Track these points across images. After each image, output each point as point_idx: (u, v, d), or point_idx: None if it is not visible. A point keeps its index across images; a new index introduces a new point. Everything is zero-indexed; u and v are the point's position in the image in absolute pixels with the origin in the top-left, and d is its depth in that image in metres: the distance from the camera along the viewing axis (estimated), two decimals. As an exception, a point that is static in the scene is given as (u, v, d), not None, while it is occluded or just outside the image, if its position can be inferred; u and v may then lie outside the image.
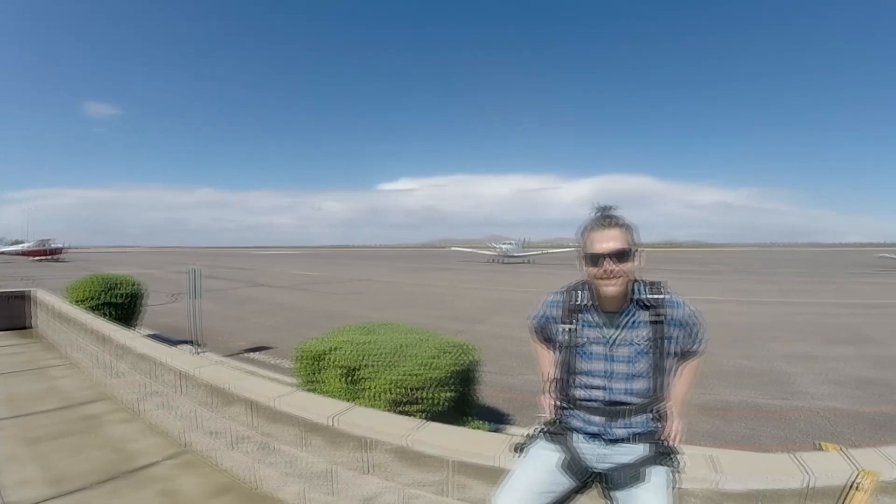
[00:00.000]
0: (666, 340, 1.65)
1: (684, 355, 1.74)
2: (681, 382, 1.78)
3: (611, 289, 1.59)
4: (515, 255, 38.31)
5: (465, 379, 2.80)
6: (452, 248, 63.69)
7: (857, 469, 1.76)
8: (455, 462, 2.10)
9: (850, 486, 1.76)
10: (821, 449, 2.12)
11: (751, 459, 1.90)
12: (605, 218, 1.63)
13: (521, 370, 6.25)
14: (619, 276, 1.58)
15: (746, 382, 5.99)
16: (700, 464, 1.79)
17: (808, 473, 1.74)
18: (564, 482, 1.73)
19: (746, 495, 1.76)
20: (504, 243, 39.37)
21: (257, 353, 7.33)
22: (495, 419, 3.81)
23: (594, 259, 1.59)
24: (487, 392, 3.28)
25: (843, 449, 1.94)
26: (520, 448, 1.88)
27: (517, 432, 2.84)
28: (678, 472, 1.69)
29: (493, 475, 2.02)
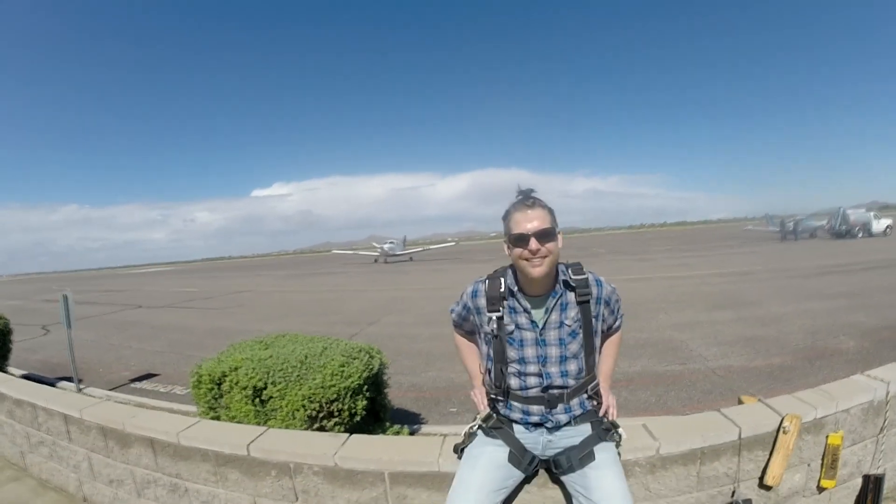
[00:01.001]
0: (594, 319, 1.67)
1: (607, 332, 1.80)
2: (607, 358, 1.82)
3: (538, 269, 1.57)
4: (398, 253, 40.00)
5: (376, 384, 2.72)
6: (333, 252, 64.30)
7: (781, 415, 1.89)
8: (391, 474, 1.98)
9: (778, 431, 1.89)
10: (741, 402, 2.27)
11: (683, 422, 1.99)
12: (528, 199, 1.62)
13: (422, 368, 6.33)
14: (545, 256, 1.56)
15: (643, 353, 6.47)
16: (638, 434, 1.83)
17: (738, 426, 1.84)
18: (515, 475, 1.69)
19: (687, 455, 1.83)
20: (385, 243, 40.75)
21: (145, 381, 6.81)
22: (409, 421, 3.86)
23: (520, 239, 1.56)
24: (394, 394, 3.33)
25: (762, 399, 2.09)
26: (460, 448, 1.79)
27: (447, 431, 2.81)
28: (620, 444, 1.71)
29: (435, 481, 1.93)
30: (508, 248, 1.63)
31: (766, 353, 6.17)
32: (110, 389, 6.26)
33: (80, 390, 5.90)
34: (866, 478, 2.20)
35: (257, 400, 2.42)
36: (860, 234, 30.95)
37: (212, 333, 10.41)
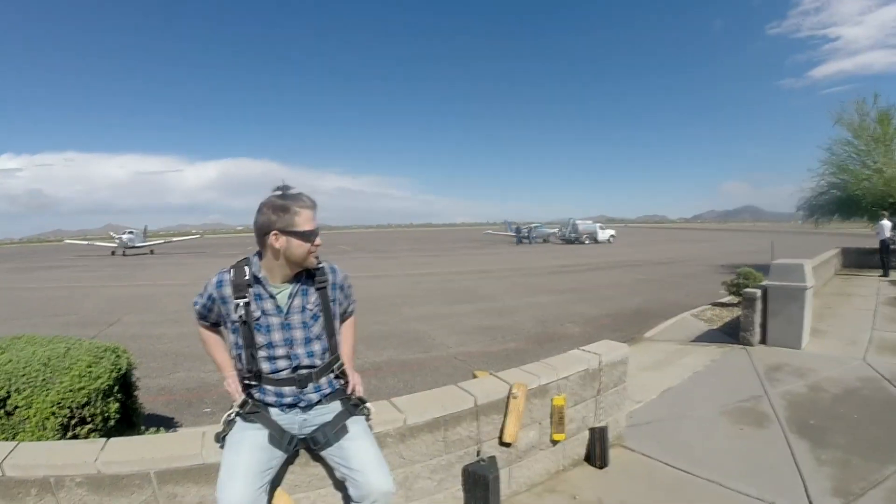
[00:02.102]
0: (332, 303, 1.96)
1: (344, 315, 2.10)
2: (347, 340, 2.13)
3: (315, 260, 1.86)
4: (138, 245, 38.96)
5: (125, 385, 2.75)
6: (66, 242, 60.40)
7: (510, 384, 2.42)
8: (158, 472, 2.03)
9: (509, 397, 2.41)
10: (475, 376, 2.81)
11: (425, 396, 2.42)
12: (310, 199, 1.86)
13: (170, 369, 6.36)
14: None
15: (388, 343, 7.27)
16: (386, 409, 2.18)
17: (473, 395, 2.31)
18: (277, 455, 1.88)
19: (432, 423, 2.24)
20: (124, 233, 39.19)
21: None
22: (163, 425, 3.88)
23: (310, 236, 1.80)
24: (143, 398, 3.33)
25: (493, 373, 2.64)
26: (222, 436, 1.93)
27: (206, 428, 2.91)
28: (370, 418, 2.02)
29: (204, 473, 2.04)
30: (282, 239, 1.79)
31: (501, 340, 7.32)
32: None
33: None
34: (592, 430, 2.90)
35: (1, 412, 2.27)
36: (587, 241, 38.67)
37: None
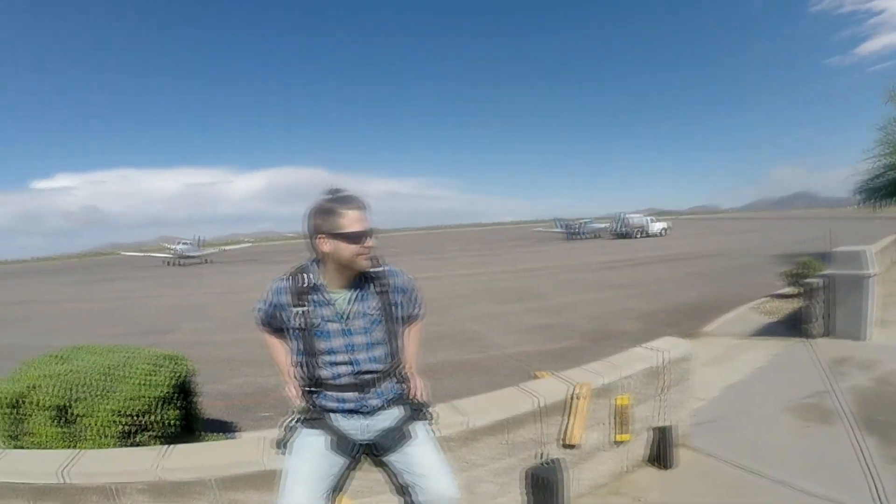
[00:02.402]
0: (393, 307, 1.90)
1: (408, 319, 2.03)
2: (410, 344, 2.06)
3: (367, 263, 1.78)
4: (192, 255, 39.86)
5: (185, 392, 2.76)
6: (122, 254, 63.02)
7: (573, 384, 2.32)
8: (218, 479, 2.03)
9: (572, 398, 2.32)
10: (536, 377, 2.72)
11: (488, 399, 2.34)
12: (359, 200, 1.80)
13: (228, 375, 6.42)
14: (372, 252, 1.77)
15: (443, 344, 7.16)
16: (448, 412, 2.12)
17: (536, 396, 2.22)
18: (340, 462, 1.84)
19: (495, 426, 2.16)
20: (178, 244, 40.43)
21: None
22: (222, 430, 3.94)
23: (358, 237, 1.73)
24: (202, 404, 3.36)
25: (555, 373, 2.54)
26: (282, 443, 1.91)
27: (264, 436, 2.92)
28: (433, 422, 1.96)
29: (264, 480, 2.02)
30: (330, 243, 1.75)
31: (557, 339, 7.16)
32: None
33: None
34: (656, 430, 2.78)
35: (63, 420, 2.30)
36: (639, 235, 37.61)
37: None
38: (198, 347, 7.89)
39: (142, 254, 53.52)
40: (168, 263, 38.45)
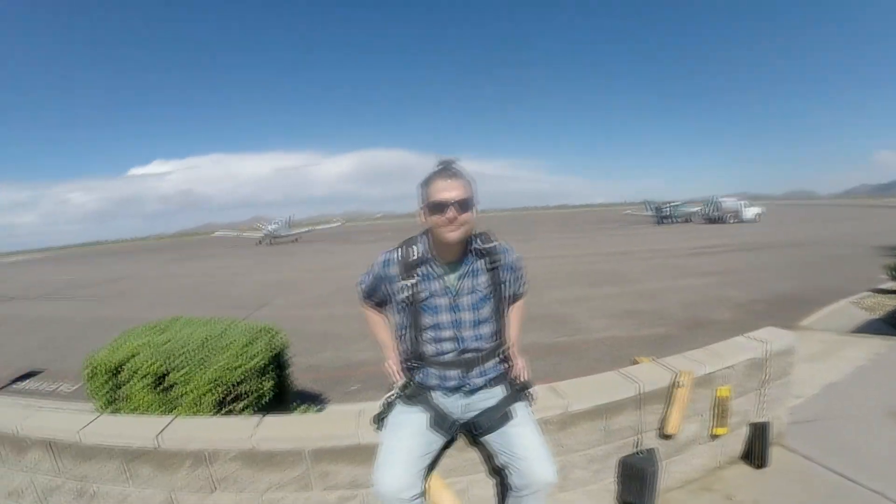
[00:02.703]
0: (502, 285, 1.83)
1: (513, 298, 1.96)
2: (514, 323, 1.99)
3: (453, 235, 1.68)
4: (283, 234, 40.74)
5: (279, 364, 2.80)
6: (217, 233, 64.54)
7: (675, 372, 2.20)
8: (312, 451, 2.04)
9: (673, 386, 2.20)
10: (636, 362, 2.59)
11: (586, 382, 2.25)
12: (450, 169, 1.73)
13: (318, 349, 6.57)
14: (463, 224, 1.68)
15: (533, 326, 6.99)
16: (547, 394, 2.05)
17: (637, 382, 2.11)
18: (437, 440, 1.82)
19: (594, 411, 2.08)
20: (270, 223, 41.31)
21: (27, 381, 6.52)
22: (311, 401, 4.01)
23: (439, 207, 1.66)
24: (293, 375, 3.43)
25: (656, 359, 2.41)
26: (380, 418, 1.90)
27: (352, 409, 2.94)
28: (532, 404, 1.90)
29: (357, 454, 2.02)
30: (425, 214, 1.73)
31: (648, 325, 6.93)
32: None
33: None
34: (753, 426, 2.61)
35: (160, 388, 2.38)
36: (731, 220, 35.14)
37: (94, 324, 10.07)
38: (289, 321, 8.10)
39: (235, 233, 55.60)
40: (260, 242, 39.79)
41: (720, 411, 2.38)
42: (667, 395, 2.20)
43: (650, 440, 2.24)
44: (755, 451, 2.63)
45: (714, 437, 2.46)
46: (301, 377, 5.06)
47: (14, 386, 6.20)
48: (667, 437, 2.26)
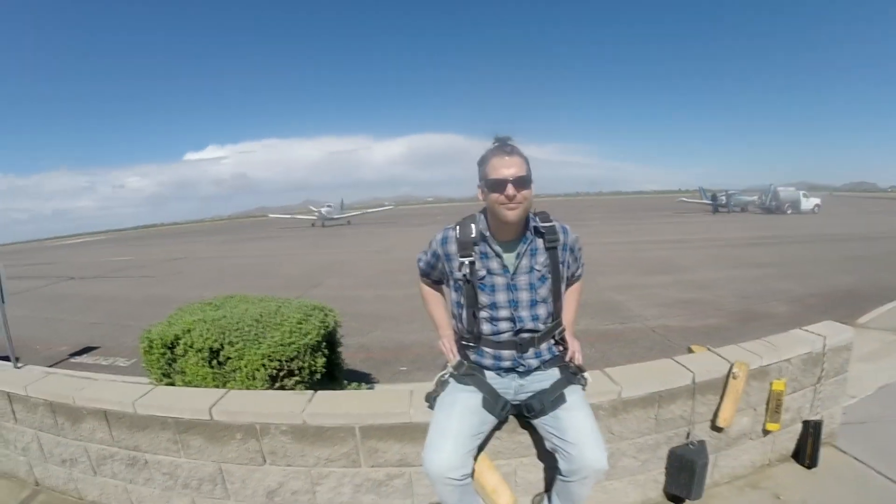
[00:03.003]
0: (561, 265, 1.82)
1: (570, 279, 1.94)
2: (570, 305, 1.98)
3: (512, 213, 1.67)
4: (335, 217, 41.46)
5: (331, 342, 2.85)
6: (270, 216, 66.25)
7: (731, 362, 2.15)
8: (362, 427, 2.08)
9: (728, 377, 2.16)
10: (691, 351, 2.54)
11: (641, 368, 2.23)
12: (507, 146, 1.72)
13: (368, 329, 6.61)
14: (521, 202, 1.67)
15: (584, 312, 6.95)
16: (600, 379, 2.03)
17: (692, 371, 2.08)
18: (489, 420, 1.82)
19: (646, 399, 2.05)
20: (323, 206, 41.82)
21: (85, 355, 6.82)
22: (361, 380, 4.07)
23: (497, 185, 1.66)
24: (344, 354, 3.48)
25: (711, 348, 2.36)
26: (433, 397, 1.91)
27: (402, 389, 2.98)
28: (586, 388, 1.89)
29: (406, 432, 2.05)
30: (483, 192, 1.74)
31: (701, 315, 6.78)
32: (49, 366, 6.14)
33: (17, 369, 5.74)
34: (806, 423, 2.54)
35: (214, 362, 2.45)
36: (789, 211, 33.87)
37: (149, 302, 10.38)
38: (340, 301, 8.36)
39: (288, 216, 57.01)
40: (313, 225, 40.94)
41: (774, 406, 2.32)
42: (721, 387, 2.16)
43: (701, 432, 2.20)
44: (806, 450, 2.55)
45: (766, 432, 2.40)
46: (352, 357, 5.17)
47: (72, 360, 6.48)
48: (718, 429, 2.22)
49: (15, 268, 25.41)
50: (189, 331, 2.53)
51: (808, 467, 2.58)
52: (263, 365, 2.36)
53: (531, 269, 1.77)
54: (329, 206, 42.48)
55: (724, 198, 38.33)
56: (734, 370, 2.13)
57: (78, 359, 6.54)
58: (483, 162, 1.74)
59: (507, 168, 1.66)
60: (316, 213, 41.72)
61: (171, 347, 2.58)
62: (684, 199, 53.34)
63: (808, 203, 34.87)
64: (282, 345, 2.38)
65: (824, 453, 2.64)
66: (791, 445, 2.57)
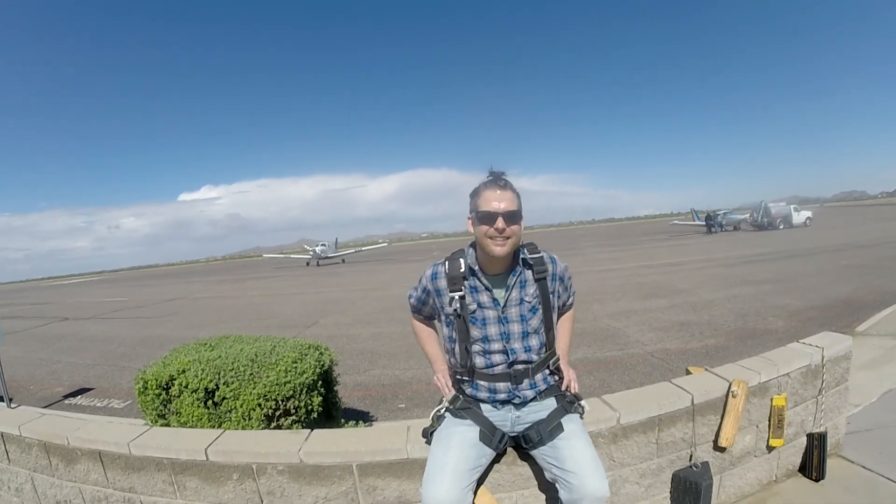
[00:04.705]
0: (551, 295, 1.84)
1: (562, 308, 1.98)
2: (563, 334, 2.01)
3: (500, 248, 1.70)
4: (330, 255, 42.01)
5: (327, 381, 2.86)
6: (265, 256, 67.03)
7: (729, 381, 2.16)
8: (360, 465, 2.07)
9: (727, 396, 2.16)
10: (689, 373, 2.55)
11: (638, 393, 2.23)
12: (501, 180, 1.75)
13: (365, 367, 6.69)
14: (510, 237, 1.70)
15: (581, 341, 6.99)
16: (598, 407, 2.04)
17: (690, 393, 2.09)
18: (487, 453, 1.83)
19: (646, 423, 2.05)
20: (317, 245, 42.57)
21: (80, 396, 6.82)
22: (358, 418, 4.07)
23: (487, 217, 1.68)
24: (341, 393, 3.48)
25: (709, 369, 2.37)
26: (430, 432, 1.91)
27: (410, 422, 2.98)
28: (583, 416, 1.90)
29: (404, 468, 2.04)
30: (473, 223, 1.77)
31: (700, 336, 6.82)
32: (44, 407, 6.12)
33: (11, 409, 5.74)
34: (810, 436, 2.54)
35: (210, 402, 2.45)
36: (781, 226, 34.63)
37: (144, 342, 10.46)
38: (336, 340, 8.34)
39: (283, 255, 57.85)
40: (308, 264, 41.45)
41: (776, 421, 2.32)
42: (721, 406, 2.16)
43: (704, 453, 2.20)
44: (812, 463, 2.55)
45: (770, 448, 2.40)
46: (349, 395, 5.22)
47: (66, 401, 6.45)
48: (721, 449, 2.21)
49: (11, 307, 25.59)
50: (184, 371, 2.53)
51: (816, 480, 2.57)
52: (259, 405, 2.36)
53: (521, 301, 1.79)
54: (323, 244, 42.98)
55: (716, 217, 39.07)
56: (733, 389, 2.14)
57: (73, 400, 6.54)
58: (475, 193, 1.77)
59: (498, 201, 1.69)
60: (310, 252, 42.15)
61: (167, 388, 2.58)
62: (677, 221, 54.77)
63: (800, 216, 35.82)
64: (277, 384, 2.38)
65: (831, 464, 2.64)
66: (797, 459, 2.57)
